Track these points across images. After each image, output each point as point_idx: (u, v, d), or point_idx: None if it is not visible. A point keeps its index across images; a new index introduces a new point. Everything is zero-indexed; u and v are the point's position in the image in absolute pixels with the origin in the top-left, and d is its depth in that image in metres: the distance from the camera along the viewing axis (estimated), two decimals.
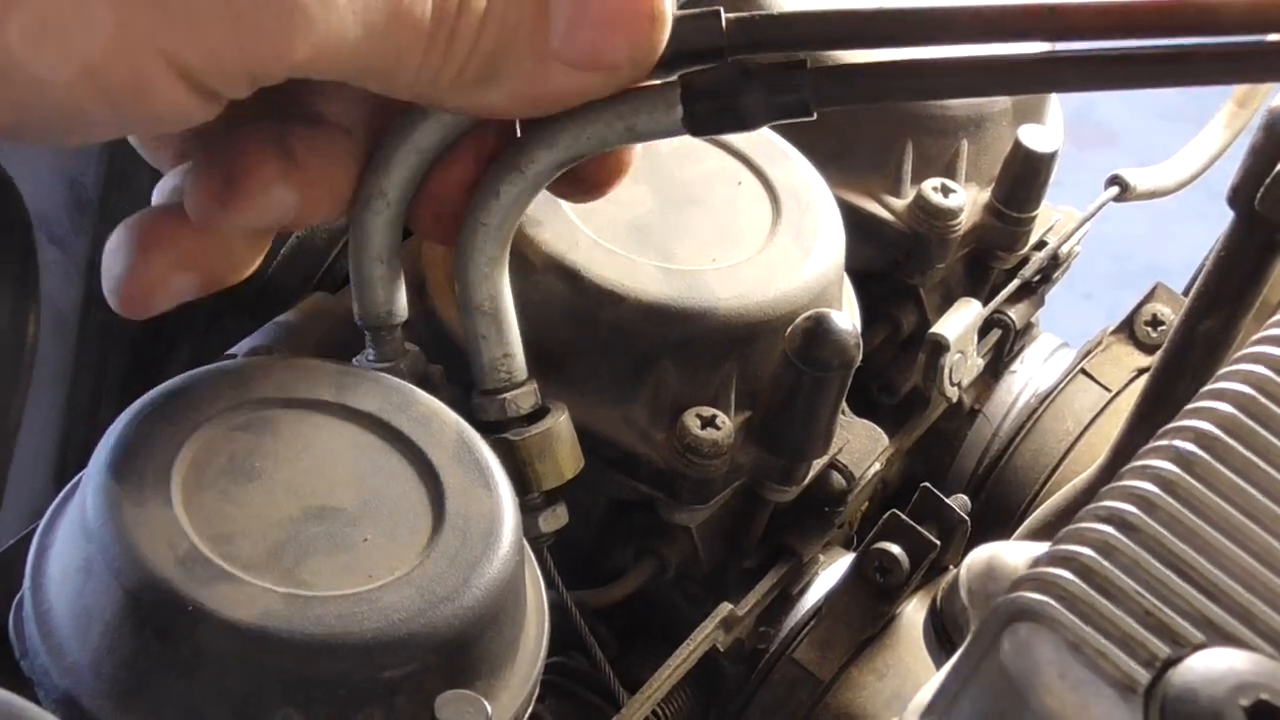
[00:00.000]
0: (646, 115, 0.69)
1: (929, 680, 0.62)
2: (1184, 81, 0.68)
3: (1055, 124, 1.06)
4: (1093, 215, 1.06)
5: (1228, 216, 0.88)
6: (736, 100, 0.69)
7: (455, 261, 0.73)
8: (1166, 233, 2.68)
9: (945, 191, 0.99)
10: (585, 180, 0.74)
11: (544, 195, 0.73)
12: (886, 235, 0.99)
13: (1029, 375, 1.10)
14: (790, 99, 0.69)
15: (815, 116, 0.69)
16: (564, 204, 0.83)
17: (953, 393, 0.99)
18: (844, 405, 0.88)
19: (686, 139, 0.71)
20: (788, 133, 0.92)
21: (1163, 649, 0.53)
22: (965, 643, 0.59)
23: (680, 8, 0.69)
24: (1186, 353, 0.91)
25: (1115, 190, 1.06)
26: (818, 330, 0.81)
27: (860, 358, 0.83)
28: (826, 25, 0.70)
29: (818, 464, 0.89)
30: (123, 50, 0.58)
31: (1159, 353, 0.94)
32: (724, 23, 0.69)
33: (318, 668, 0.60)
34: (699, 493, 0.85)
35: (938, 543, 0.90)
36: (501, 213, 0.71)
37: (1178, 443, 0.58)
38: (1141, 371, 1.08)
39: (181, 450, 0.65)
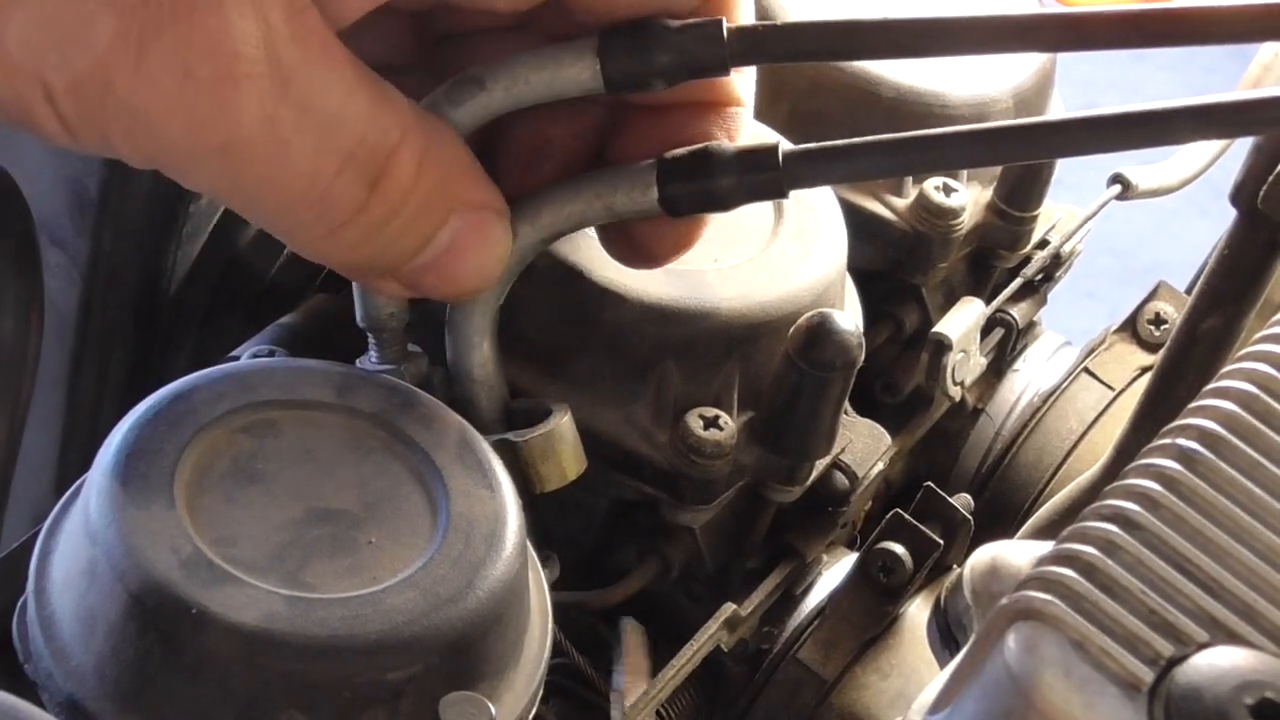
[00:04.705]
0: (624, 195, 0.71)
1: (933, 680, 0.62)
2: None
3: None
4: (1095, 214, 1.06)
5: (1230, 215, 0.88)
6: (712, 183, 0.69)
7: (446, 328, 0.75)
8: (1169, 231, 2.68)
9: (947, 190, 0.99)
10: (646, 250, 0.75)
11: None
12: (889, 234, 0.99)
13: (1032, 374, 1.09)
14: (764, 179, 0.70)
15: (789, 197, 0.71)
16: None
17: (955, 392, 0.98)
18: (847, 405, 0.88)
19: None
20: (790, 132, 0.92)
21: (1167, 647, 0.53)
22: (969, 642, 0.59)
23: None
24: (1189, 351, 0.91)
25: (1117, 188, 1.06)
26: (820, 330, 0.81)
27: (863, 358, 0.83)
28: (829, 36, 0.70)
29: (821, 464, 0.89)
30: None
31: (1162, 351, 0.94)
32: (725, 33, 0.68)
33: (322, 670, 0.60)
34: (702, 493, 0.84)
35: (941, 542, 0.90)
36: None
37: (1181, 441, 0.58)
38: (1144, 370, 1.08)
39: (184, 453, 0.65)
